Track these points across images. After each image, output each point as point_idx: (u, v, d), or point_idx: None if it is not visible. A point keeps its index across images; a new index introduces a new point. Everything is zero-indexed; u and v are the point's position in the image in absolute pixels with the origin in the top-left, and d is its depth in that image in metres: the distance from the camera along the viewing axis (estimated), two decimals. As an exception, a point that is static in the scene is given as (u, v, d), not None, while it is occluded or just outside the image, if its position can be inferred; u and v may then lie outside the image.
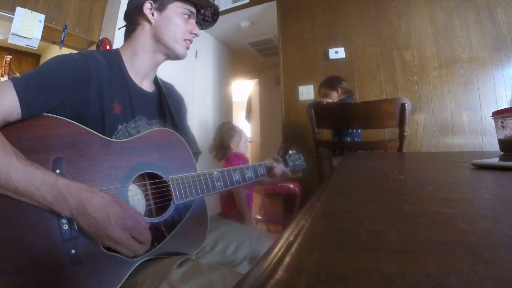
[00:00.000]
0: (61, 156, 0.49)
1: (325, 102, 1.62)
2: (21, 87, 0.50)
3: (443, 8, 1.80)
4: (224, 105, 3.27)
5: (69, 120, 0.53)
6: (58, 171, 0.48)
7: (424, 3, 1.85)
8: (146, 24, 0.69)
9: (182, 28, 0.70)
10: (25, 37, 1.65)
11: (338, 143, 1.62)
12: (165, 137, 0.66)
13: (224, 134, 1.72)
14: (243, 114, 4.96)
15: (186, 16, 0.71)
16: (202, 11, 0.76)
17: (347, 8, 2.08)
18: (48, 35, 1.82)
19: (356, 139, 1.67)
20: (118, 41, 1.95)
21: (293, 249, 0.13)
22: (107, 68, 0.63)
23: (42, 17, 1.70)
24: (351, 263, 0.11)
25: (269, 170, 0.82)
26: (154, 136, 0.64)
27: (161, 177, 0.61)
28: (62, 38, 1.84)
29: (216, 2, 2.89)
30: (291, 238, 0.15)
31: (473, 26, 1.72)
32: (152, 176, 0.61)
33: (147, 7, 0.67)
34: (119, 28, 0.76)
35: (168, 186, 0.60)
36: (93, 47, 2.04)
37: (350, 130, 1.65)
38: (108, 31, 2.00)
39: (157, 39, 0.69)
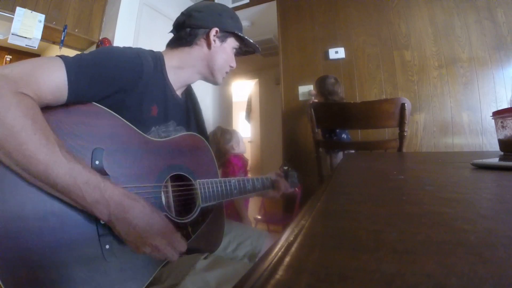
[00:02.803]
0: (102, 147, 0.48)
1: (311, 101, 1.64)
2: (74, 73, 0.48)
3: (443, 8, 1.80)
4: (224, 105, 3.27)
5: (111, 112, 0.53)
6: (97, 162, 0.47)
7: (424, 3, 1.85)
8: (205, 47, 0.71)
9: (229, 62, 0.76)
10: (25, 37, 1.65)
11: (338, 143, 1.62)
12: (195, 142, 0.71)
13: (221, 140, 1.70)
14: (243, 114, 4.96)
15: (234, 51, 0.77)
16: (242, 45, 0.79)
17: (347, 8, 2.08)
18: (48, 35, 1.82)
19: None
20: (118, 41, 1.95)
21: (293, 249, 0.13)
22: (153, 70, 0.64)
23: (42, 17, 1.70)
24: (351, 263, 0.11)
25: (273, 183, 0.88)
26: (186, 140, 0.68)
27: (189, 179, 0.63)
28: (62, 38, 1.84)
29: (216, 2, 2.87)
30: (291, 238, 0.15)
31: (473, 26, 1.72)
32: (178, 177, 0.63)
33: (213, 34, 0.70)
34: (169, 32, 0.77)
35: (194, 188, 0.63)
36: (93, 47, 2.04)
37: (338, 132, 1.67)
38: (108, 31, 2.00)
39: (208, 65, 0.73)
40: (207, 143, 0.74)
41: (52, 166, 0.39)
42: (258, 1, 2.42)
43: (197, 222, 0.63)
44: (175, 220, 0.58)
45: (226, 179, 0.71)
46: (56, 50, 1.90)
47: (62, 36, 1.84)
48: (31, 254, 0.40)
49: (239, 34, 0.74)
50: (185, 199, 0.64)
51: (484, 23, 1.70)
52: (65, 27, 1.83)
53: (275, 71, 3.68)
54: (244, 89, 5.01)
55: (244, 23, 2.76)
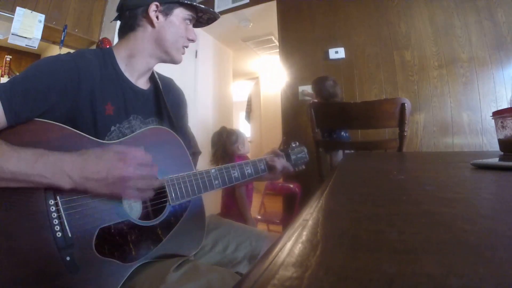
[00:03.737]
0: None
1: (311, 101, 1.64)
2: (6, 96, 0.48)
3: (443, 8, 1.80)
4: (224, 105, 3.27)
5: (58, 124, 0.51)
6: None
7: (424, 3, 1.85)
8: (149, 27, 0.66)
9: (184, 35, 0.69)
10: (25, 37, 1.65)
11: (338, 143, 1.62)
12: (159, 136, 0.64)
13: (227, 141, 1.67)
14: (243, 114, 4.96)
15: (188, 22, 0.70)
16: (200, 14, 0.73)
17: (347, 8, 2.08)
18: (48, 35, 1.82)
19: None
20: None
21: (293, 249, 0.13)
22: (99, 67, 0.61)
23: (42, 17, 1.70)
24: (351, 263, 0.11)
25: (270, 165, 0.79)
26: (147, 135, 0.62)
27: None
28: (62, 38, 1.84)
29: (216, 2, 2.85)
30: (291, 238, 0.15)
31: (473, 26, 1.72)
32: None
33: (152, 9, 0.64)
34: (111, 21, 0.74)
35: (163, 187, 0.59)
36: (93, 47, 2.04)
37: (337, 130, 1.66)
38: (108, 31, 2.01)
39: (158, 44, 0.67)
40: (175, 134, 0.67)
41: (4, 161, 0.43)
42: (258, 1, 2.42)
43: (169, 223, 0.59)
44: (140, 224, 0.55)
45: (204, 170, 0.65)
46: (56, 50, 1.90)
47: (62, 36, 1.84)
48: None
49: (185, 2, 0.67)
50: (155, 200, 0.59)
51: (484, 23, 1.70)
52: (65, 27, 1.83)
53: (275, 71, 3.67)
54: (244, 89, 5.01)
55: (244, 23, 2.76)
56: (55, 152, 0.47)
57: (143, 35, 0.66)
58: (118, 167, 0.49)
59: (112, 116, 0.61)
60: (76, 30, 1.91)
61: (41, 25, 1.70)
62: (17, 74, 0.53)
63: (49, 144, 0.49)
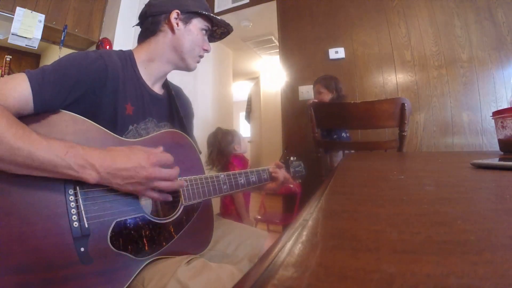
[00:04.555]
0: None
1: (316, 101, 1.65)
2: (37, 82, 0.50)
3: (443, 8, 1.80)
4: (224, 105, 3.27)
5: (82, 118, 0.53)
6: None
7: (424, 3, 1.85)
8: (169, 32, 0.70)
9: (200, 44, 0.73)
10: (25, 37, 1.65)
11: (338, 143, 1.62)
12: (176, 139, 0.68)
13: (222, 142, 1.66)
14: (243, 114, 4.96)
15: (204, 32, 0.74)
16: (215, 28, 0.77)
17: (347, 8, 2.08)
18: (48, 35, 1.82)
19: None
20: (118, 41, 1.95)
21: (293, 249, 0.13)
22: (122, 68, 0.64)
23: (42, 17, 1.70)
24: (351, 263, 0.11)
25: (273, 176, 0.84)
26: (165, 137, 0.65)
27: None
28: (62, 38, 1.84)
29: (216, 2, 2.85)
30: (291, 238, 0.15)
31: (473, 26, 1.72)
32: None
33: (173, 16, 0.68)
34: (133, 26, 0.77)
35: None
36: (93, 47, 2.04)
37: (338, 130, 1.67)
38: (108, 31, 2.00)
39: (175, 50, 0.71)
40: (189, 138, 0.71)
41: (34, 149, 0.43)
42: (258, 1, 2.42)
43: (181, 222, 0.61)
44: (155, 220, 0.57)
45: (214, 174, 0.68)
46: (56, 50, 1.90)
47: (62, 36, 1.84)
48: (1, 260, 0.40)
49: (204, 12, 0.71)
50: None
51: (484, 23, 1.70)
52: (65, 27, 1.83)
53: (275, 71, 3.67)
54: (244, 89, 5.01)
55: (244, 23, 2.76)
56: (84, 146, 0.48)
57: (163, 40, 0.70)
58: (145, 168, 0.51)
59: (131, 116, 0.64)
60: (76, 30, 1.91)
61: (41, 25, 1.70)
62: (48, 64, 0.55)
63: (73, 136, 0.51)
